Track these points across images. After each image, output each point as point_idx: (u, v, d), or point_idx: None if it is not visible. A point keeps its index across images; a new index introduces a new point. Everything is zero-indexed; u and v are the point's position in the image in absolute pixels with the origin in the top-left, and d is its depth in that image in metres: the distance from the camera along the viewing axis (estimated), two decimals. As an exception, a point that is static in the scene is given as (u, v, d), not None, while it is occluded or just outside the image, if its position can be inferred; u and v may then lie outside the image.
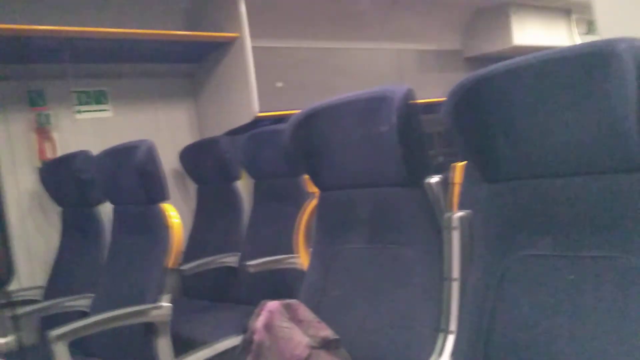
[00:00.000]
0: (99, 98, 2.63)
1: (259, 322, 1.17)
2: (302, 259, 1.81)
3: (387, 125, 1.19)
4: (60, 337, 1.53)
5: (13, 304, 2.18)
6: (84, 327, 1.60)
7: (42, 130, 2.42)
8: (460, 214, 1.12)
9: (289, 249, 1.97)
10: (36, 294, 2.28)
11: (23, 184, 2.39)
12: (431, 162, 1.28)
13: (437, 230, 1.17)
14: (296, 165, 2.16)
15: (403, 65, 3.51)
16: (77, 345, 1.62)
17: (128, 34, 2.30)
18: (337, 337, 1.19)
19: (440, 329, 1.11)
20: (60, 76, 2.46)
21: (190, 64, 2.90)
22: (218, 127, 2.76)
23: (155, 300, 1.70)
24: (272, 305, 1.20)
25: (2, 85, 2.34)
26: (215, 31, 2.63)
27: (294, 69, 2.87)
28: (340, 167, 1.37)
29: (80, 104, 2.57)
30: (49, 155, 2.41)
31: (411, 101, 1.19)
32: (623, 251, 0.85)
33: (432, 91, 2.37)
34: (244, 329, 1.21)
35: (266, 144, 2.40)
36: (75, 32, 2.16)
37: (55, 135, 2.45)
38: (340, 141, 1.34)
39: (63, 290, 2.13)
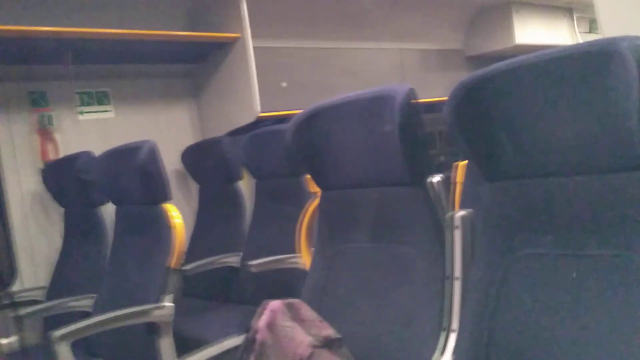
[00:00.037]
0: (101, 99, 2.64)
1: (262, 322, 1.17)
2: (304, 258, 1.81)
3: (389, 124, 1.19)
4: (63, 337, 1.53)
5: (16, 305, 2.18)
6: (87, 327, 1.61)
7: (45, 131, 2.42)
8: (462, 213, 1.12)
9: (291, 248, 1.97)
10: (39, 295, 2.29)
11: (25, 185, 2.39)
12: (433, 162, 1.28)
13: (439, 229, 1.17)
14: (298, 165, 2.16)
15: (405, 65, 3.51)
16: (79, 345, 1.63)
17: (130, 35, 2.30)
18: (339, 336, 1.18)
19: (442, 327, 1.11)
20: (62, 77, 2.46)
21: (192, 65, 2.90)
22: (220, 128, 2.77)
23: (158, 300, 1.70)
24: (275, 304, 1.20)
25: (5, 87, 2.35)
26: (216, 31, 2.63)
27: (295, 69, 2.87)
28: (342, 167, 1.37)
29: (83, 104, 2.57)
30: (52, 156, 2.42)
31: (413, 100, 1.19)
32: (625, 249, 0.85)
33: (434, 90, 2.37)
34: (247, 328, 1.22)
35: (268, 144, 2.41)
36: (78, 33, 2.16)
37: (57, 136, 2.46)
38: (342, 141, 1.34)
39: (65, 290, 2.14)
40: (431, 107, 1.57)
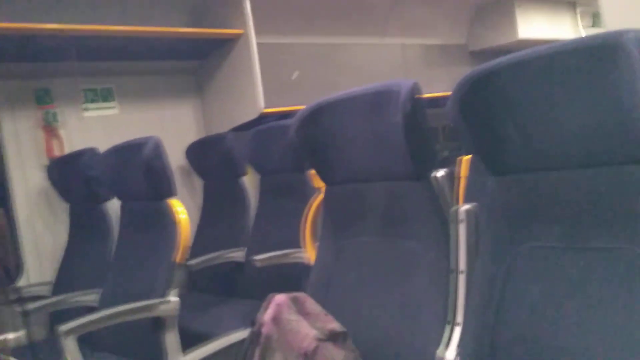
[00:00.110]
0: (105, 95, 2.64)
1: (267, 315, 1.18)
2: (308, 253, 1.82)
3: (394, 119, 1.20)
4: (69, 332, 1.54)
5: (22, 300, 2.20)
6: (93, 322, 1.62)
7: (50, 128, 2.43)
8: (466, 206, 1.12)
9: (295, 243, 1.98)
10: (45, 290, 2.30)
11: (31, 182, 2.41)
12: (437, 156, 1.28)
13: (444, 223, 1.17)
14: (302, 160, 2.17)
15: (407, 60, 3.50)
16: (85, 340, 1.64)
17: (134, 32, 2.31)
18: (344, 329, 1.19)
19: (447, 321, 1.12)
20: (67, 74, 2.47)
21: (196, 61, 2.90)
22: (224, 124, 2.77)
23: (163, 295, 1.71)
24: (280, 298, 1.21)
25: (10, 84, 2.36)
26: (220, 28, 2.63)
27: (298, 65, 2.87)
28: (347, 162, 1.37)
29: (87, 101, 2.58)
30: (57, 152, 2.43)
31: (417, 95, 1.19)
32: (631, 243, 0.85)
33: (437, 86, 2.37)
34: (251, 322, 1.22)
35: (272, 140, 2.41)
36: (82, 30, 2.17)
37: (62, 132, 2.47)
38: (347, 136, 1.35)
39: (71, 285, 2.15)
40: (434, 102, 1.57)
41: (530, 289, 0.96)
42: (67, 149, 2.44)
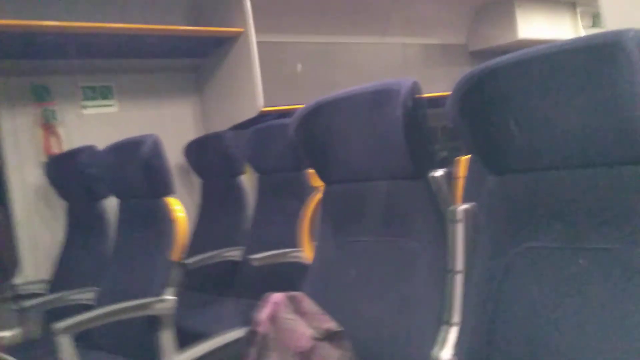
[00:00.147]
0: (104, 93, 2.64)
1: (264, 314, 1.17)
2: (306, 252, 1.81)
3: (393, 118, 1.19)
4: (65, 330, 1.53)
5: (18, 297, 2.19)
6: (89, 320, 1.61)
7: (48, 126, 2.43)
8: (464, 206, 1.11)
9: (293, 242, 1.97)
10: (41, 288, 2.30)
11: (29, 179, 2.40)
12: (436, 156, 1.28)
13: (442, 223, 1.17)
14: (301, 159, 2.16)
15: (407, 60, 3.50)
16: (81, 338, 1.63)
17: (133, 30, 2.30)
18: (340, 329, 1.19)
19: (444, 321, 1.12)
20: (65, 71, 2.47)
21: (195, 59, 2.90)
22: (223, 122, 2.77)
23: (160, 293, 1.71)
24: (277, 297, 1.21)
25: (9, 81, 2.36)
26: (220, 26, 2.63)
27: (299, 63, 2.87)
28: (346, 161, 1.37)
29: (86, 99, 2.58)
30: (55, 150, 2.43)
31: (417, 95, 1.19)
32: (629, 243, 0.84)
33: (437, 85, 2.36)
34: (249, 322, 1.22)
35: (271, 139, 2.40)
36: (81, 27, 2.17)
37: (60, 130, 2.46)
38: (346, 135, 1.34)
39: (68, 283, 2.15)
40: (434, 102, 1.56)
41: (528, 289, 0.96)
42: (66, 147, 2.44)
